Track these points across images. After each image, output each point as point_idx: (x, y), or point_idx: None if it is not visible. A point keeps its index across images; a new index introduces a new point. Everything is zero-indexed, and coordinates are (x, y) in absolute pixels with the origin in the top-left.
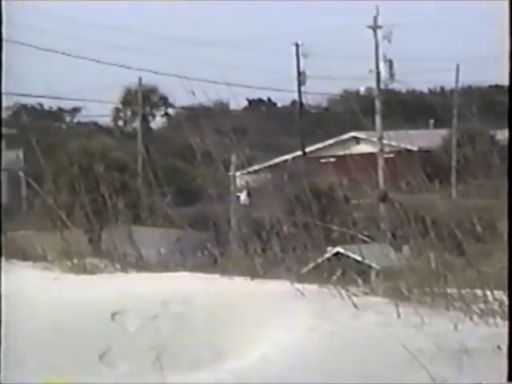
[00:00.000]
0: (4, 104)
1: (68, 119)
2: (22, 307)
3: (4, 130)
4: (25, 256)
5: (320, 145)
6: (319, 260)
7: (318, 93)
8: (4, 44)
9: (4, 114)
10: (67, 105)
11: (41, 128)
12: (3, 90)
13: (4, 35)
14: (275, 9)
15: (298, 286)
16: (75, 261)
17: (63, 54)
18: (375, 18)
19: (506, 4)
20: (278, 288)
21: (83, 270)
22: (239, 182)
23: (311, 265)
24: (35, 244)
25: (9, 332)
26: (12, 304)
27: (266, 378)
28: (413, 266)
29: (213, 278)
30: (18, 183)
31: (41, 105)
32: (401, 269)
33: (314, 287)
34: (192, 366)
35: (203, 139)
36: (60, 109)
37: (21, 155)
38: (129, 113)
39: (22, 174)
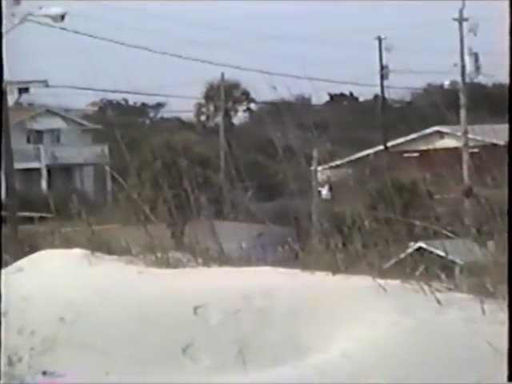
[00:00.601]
0: (91, 99)
1: (152, 114)
2: (107, 300)
3: (90, 126)
4: (110, 250)
5: (403, 139)
6: (401, 255)
7: (401, 87)
8: (92, 41)
9: (90, 110)
10: (151, 100)
11: (125, 123)
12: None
13: (91, 33)
14: (358, 3)
15: (380, 281)
16: (158, 255)
17: (149, 50)
18: (461, 11)
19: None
20: (359, 283)
21: (166, 264)
22: (321, 176)
23: (393, 260)
24: (120, 238)
25: (96, 325)
26: (98, 297)
27: (347, 373)
28: (498, 262)
29: (294, 272)
30: (104, 177)
31: (126, 100)
32: (486, 264)
33: (396, 283)
34: (274, 360)
35: (285, 134)
36: (144, 104)
37: (106, 150)
38: (211, 108)
39: (107, 168)
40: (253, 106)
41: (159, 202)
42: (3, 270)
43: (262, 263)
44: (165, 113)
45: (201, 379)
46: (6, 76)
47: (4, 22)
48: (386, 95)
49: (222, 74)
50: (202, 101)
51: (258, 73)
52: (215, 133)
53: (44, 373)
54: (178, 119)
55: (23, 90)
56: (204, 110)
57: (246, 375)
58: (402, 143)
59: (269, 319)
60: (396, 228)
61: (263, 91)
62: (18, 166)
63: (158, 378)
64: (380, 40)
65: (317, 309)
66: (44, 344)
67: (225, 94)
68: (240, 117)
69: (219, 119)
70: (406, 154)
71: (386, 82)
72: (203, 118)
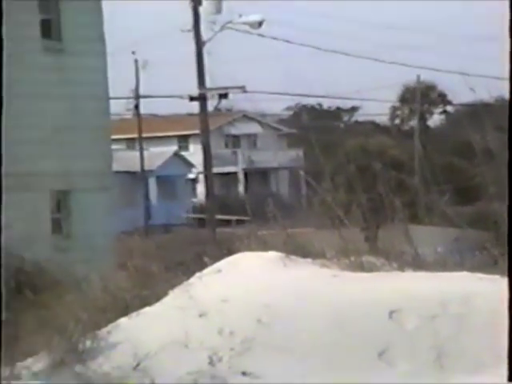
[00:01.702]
0: (286, 104)
1: (346, 118)
2: (303, 303)
3: (286, 130)
4: (304, 253)
5: None
6: None
7: None
8: (288, 46)
9: (285, 115)
10: (346, 104)
11: (320, 127)
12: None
13: (287, 38)
14: None
15: None
16: (352, 258)
17: (344, 54)
18: None
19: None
20: None
21: (360, 267)
22: None
23: None
24: (314, 241)
25: (292, 328)
26: (293, 300)
27: None
28: None
29: (493, 278)
30: (298, 181)
31: (320, 105)
32: None
33: None
34: (473, 368)
35: (483, 136)
36: (339, 108)
37: (301, 154)
38: (406, 111)
39: (301, 172)
40: (449, 108)
41: (353, 206)
42: (204, 271)
43: (458, 268)
44: (359, 116)
45: None
46: (208, 83)
47: (204, 29)
48: None
49: (418, 77)
50: (397, 104)
51: (455, 74)
52: (410, 136)
53: (243, 373)
54: (373, 123)
55: (223, 96)
56: (399, 113)
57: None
58: None
59: (467, 326)
60: None
61: (461, 93)
62: (216, 170)
63: (355, 383)
64: None
65: None
66: (243, 345)
67: (420, 97)
68: (436, 119)
69: (414, 122)
70: None
71: None
72: (398, 121)
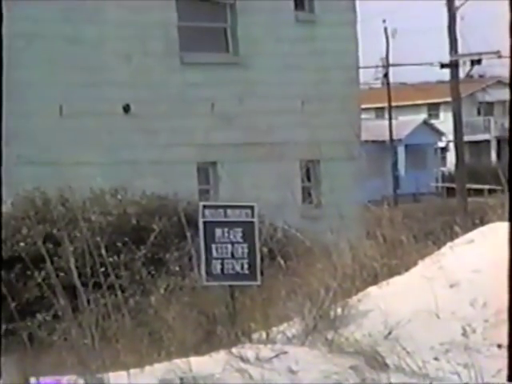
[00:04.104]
0: None
1: None
2: None
3: None
4: None
5: None
6: None
7: None
8: None
9: None
10: None
11: None
12: None
13: None
14: None
15: None
16: None
17: None
18: None
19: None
20: None
21: None
22: None
23: None
24: None
25: None
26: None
27: None
28: None
29: None
30: None
31: None
32: None
33: None
34: None
35: None
36: None
37: None
38: None
39: None
40: None
41: None
42: (455, 241)
43: None
44: None
45: None
46: (460, 49)
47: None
48: None
49: None
50: None
51: None
52: None
53: (499, 346)
54: None
55: (475, 62)
56: None
57: None
58: None
59: None
60: None
61: None
62: (467, 138)
63: None
64: None
65: None
66: (497, 316)
67: None
68: None
69: None
70: None
71: None
72: None
